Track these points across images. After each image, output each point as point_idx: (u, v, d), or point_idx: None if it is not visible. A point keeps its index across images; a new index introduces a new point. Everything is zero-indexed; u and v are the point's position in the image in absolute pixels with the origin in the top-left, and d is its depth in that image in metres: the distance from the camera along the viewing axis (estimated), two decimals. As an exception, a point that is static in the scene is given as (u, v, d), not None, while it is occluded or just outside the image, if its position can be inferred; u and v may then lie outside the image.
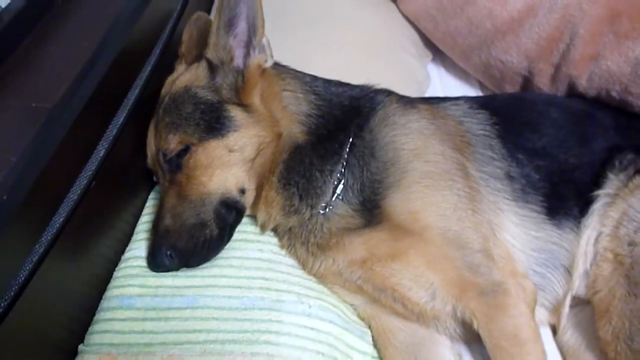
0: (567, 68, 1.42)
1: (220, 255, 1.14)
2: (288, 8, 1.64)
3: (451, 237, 1.09)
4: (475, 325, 1.06)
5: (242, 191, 1.15)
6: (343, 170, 1.15)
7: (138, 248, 1.14)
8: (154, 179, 1.24)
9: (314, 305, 1.09)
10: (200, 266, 1.12)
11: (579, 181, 1.20)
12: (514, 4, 1.46)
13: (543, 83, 1.49)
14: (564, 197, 1.19)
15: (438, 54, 1.79)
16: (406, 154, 1.15)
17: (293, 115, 1.17)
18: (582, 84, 1.41)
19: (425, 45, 1.76)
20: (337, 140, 1.16)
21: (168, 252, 1.08)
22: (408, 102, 1.28)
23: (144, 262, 1.11)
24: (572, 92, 1.46)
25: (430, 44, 1.75)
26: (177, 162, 1.12)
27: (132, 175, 1.22)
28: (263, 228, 1.20)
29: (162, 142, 1.13)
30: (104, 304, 1.05)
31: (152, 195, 1.27)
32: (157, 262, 1.08)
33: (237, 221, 1.16)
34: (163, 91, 1.21)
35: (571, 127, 1.29)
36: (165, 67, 1.27)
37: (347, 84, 1.27)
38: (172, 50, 1.31)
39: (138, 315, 1.02)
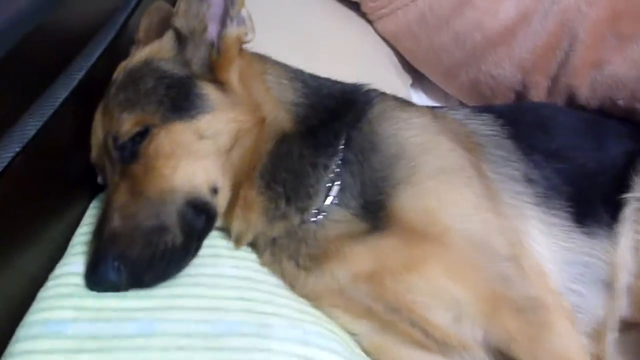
0: (567, 78, 1.31)
1: (184, 272, 0.87)
2: (265, 28, 1.49)
3: (476, 241, 0.89)
4: (514, 351, 0.83)
5: (214, 190, 0.91)
6: (338, 168, 0.93)
7: (74, 263, 0.86)
8: (99, 179, 0.98)
9: (310, 330, 0.83)
10: (159, 285, 0.84)
11: (604, 185, 1.05)
12: (506, 13, 1.36)
13: (539, 97, 1.38)
14: (590, 203, 1.02)
15: (417, 80, 1.66)
16: (413, 148, 0.97)
17: (278, 100, 0.96)
18: (584, 93, 1.29)
19: (405, 70, 1.63)
20: (331, 131, 0.96)
21: (115, 264, 0.81)
22: (405, 101, 1.12)
23: (80, 280, 0.83)
24: (572, 104, 1.34)
25: (410, 69, 1.63)
26: (132, 149, 0.88)
27: (69, 175, 0.95)
28: (239, 240, 0.95)
29: (113, 123, 0.89)
30: (21, 332, 0.75)
31: (94, 204, 1.00)
32: (99, 276, 0.81)
33: (207, 229, 0.91)
34: (115, 75, 0.98)
35: (583, 131, 1.16)
36: (117, 55, 1.05)
37: (336, 80, 1.09)
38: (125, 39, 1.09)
39: (71, 346, 0.73)
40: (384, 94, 1.09)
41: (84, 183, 1.00)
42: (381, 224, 0.90)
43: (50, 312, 0.77)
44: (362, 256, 0.88)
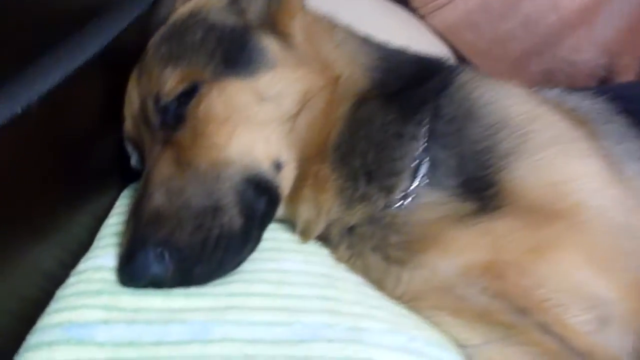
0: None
1: (243, 267, 0.67)
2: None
3: (615, 221, 0.69)
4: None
5: (278, 166, 0.73)
6: (425, 141, 0.75)
7: (103, 256, 0.67)
8: (132, 161, 0.79)
9: (416, 337, 0.62)
10: (212, 282, 0.64)
11: None
12: (586, -12, 1.20)
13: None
14: None
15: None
16: (518, 116, 0.78)
17: (352, 60, 0.79)
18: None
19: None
20: (416, 97, 0.78)
21: (158, 250, 0.61)
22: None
23: (111, 275, 0.63)
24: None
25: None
26: (177, 112, 0.70)
27: (95, 158, 0.77)
28: (307, 231, 0.76)
29: (153, 83, 0.72)
30: (33, 338, 0.55)
31: (126, 193, 0.82)
32: (137, 267, 0.61)
33: (269, 214, 0.72)
34: (152, 39, 0.81)
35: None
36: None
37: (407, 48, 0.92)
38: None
39: (102, 356, 0.53)
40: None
41: (113, 168, 0.82)
42: (492, 202, 0.70)
43: (73, 313, 0.57)
44: (473, 243, 0.68)
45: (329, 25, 0.83)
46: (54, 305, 0.59)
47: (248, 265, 0.69)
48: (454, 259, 0.68)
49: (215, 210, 0.66)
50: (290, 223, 0.78)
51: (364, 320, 0.62)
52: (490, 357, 0.68)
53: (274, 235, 0.76)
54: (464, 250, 0.68)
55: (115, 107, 0.78)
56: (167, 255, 0.62)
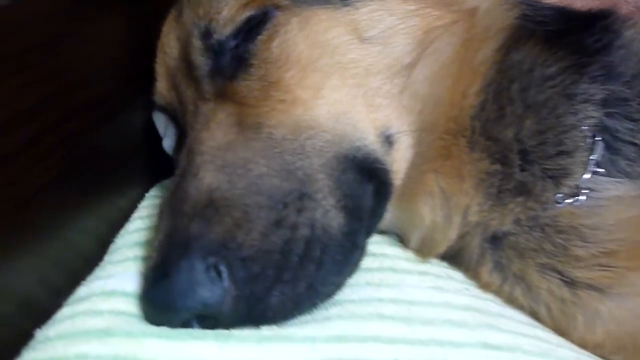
0: None
1: (342, 296, 0.41)
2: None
3: None
4: None
5: (388, 139, 0.47)
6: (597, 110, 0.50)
7: (115, 276, 0.41)
8: (165, 143, 0.54)
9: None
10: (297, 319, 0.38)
11: None
12: None
13: None
14: None
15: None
16: None
17: None
18: None
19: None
20: (582, 46, 0.52)
21: (211, 262, 0.35)
22: None
23: (128, 303, 0.37)
24: None
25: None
26: (238, 51, 0.46)
27: (111, 142, 0.52)
28: (429, 243, 0.50)
29: (202, 10, 0.47)
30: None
31: (153, 192, 0.56)
32: (175, 291, 0.36)
33: (379, 211, 0.47)
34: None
35: None
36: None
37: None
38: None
39: None
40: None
41: (136, 156, 0.56)
42: None
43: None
44: None
45: None
46: (31, 353, 0.33)
47: (349, 292, 0.42)
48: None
49: (301, 197, 0.40)
50: (396, 230, 0.52)
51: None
52: None
53: (376, 250, 0.49)
54: None
55: (138, 63, 0.54)
56: (224, 271, 0.36)
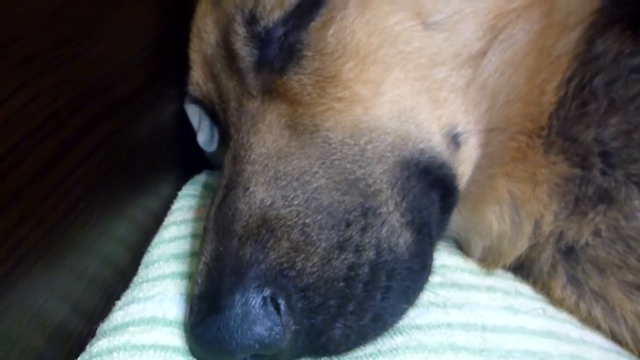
0: None
1: (407, 320, 0.36)
2: None
3: None
4: None
5: (454, 139, 0.42)
6: None
7: (154, 299, 0.36)
8: (199, 137, 0.49)
9: None
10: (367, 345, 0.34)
11: None
12: None
13: None
14: None
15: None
16: None
17: None
18: None
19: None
20: None
21: (268, 293, 0.30)
22: None
23: (174, 335, 0.32)
24: None
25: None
26: (288, 40, 0.40)
27: (139, 134, 0.47)
28: (497, 253, 0.45)
29: None
30: None
31: (186, 190, 0.51)
32: (228, 327, 0.31)
33: (444, 220, 0.41)
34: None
35: None
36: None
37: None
38: None
39: None
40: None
41: (168, 151, 0.51)
42: None
43: None
44: None
45: None
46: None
47: (413, 315, 0.37)
48: None
49: (365, 213, 0.35)
50: (455, 236, 0.47)
51: None
52: None
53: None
54: None
55: (167, 50, 0.48)
56: (283, 303, 0.31)
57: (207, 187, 0.51)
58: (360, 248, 0.34)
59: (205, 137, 0.49)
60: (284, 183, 0.35)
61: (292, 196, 0.35)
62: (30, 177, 0.33)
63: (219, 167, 0.46)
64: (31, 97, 0.32)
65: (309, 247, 0.33)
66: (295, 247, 0.33)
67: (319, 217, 0.34)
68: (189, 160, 0.53)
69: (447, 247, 0.48)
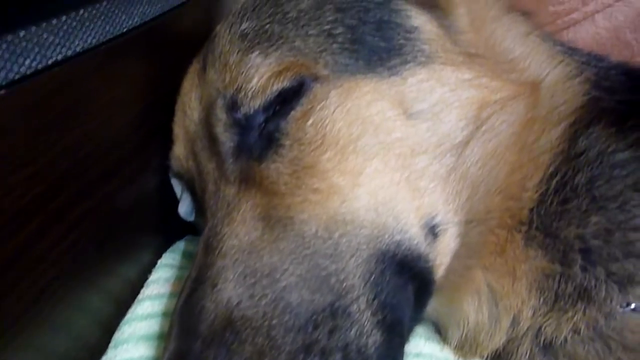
0: None
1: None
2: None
3: None
4: None
5: (432, 230, 0.41)
6: None
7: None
8: (181, 209, 0.49)
9: None
10: None
11: None
12: None
13: None
14: None
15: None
16: None
17: (551, 58, 0.48)
18: None
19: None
20: None
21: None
22: None
23: None
24: None
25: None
26: (268, 127, 0.40)
27: (120, 201, 0.47)
28: (472, 345, 0.44)
29: (228, 77, 0.41)
30: None
31: (168, 259, 0.51)
32: None
33: (417, 313, 0.41)
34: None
35: None
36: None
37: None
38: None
39: None
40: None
41: (148, 218, 0.51)
42: None
43: None
44: None
45: (503, 13, 0.52)
46: None
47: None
48: None
49: (334, 314, 0.35)
50: (433, 320, 0.47)
51: None
52: None
53: (409, 347, 0.44)
54: None
55: (156, 117, 0.48)
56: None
57: (186, 256, 0.51)
58: (327, 351, 0.34)
59: (186, 208, 0.49)
60: (252, 281, 0.35)
61: (259, 295, 0.34)
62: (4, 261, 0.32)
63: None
64: (6, 191, 0.32)
65: (273, 352, 0.33)
66: (260, 350, 0.33)
67: (285, 319, 0.34)
68: (171, 227, 0.53)
69: (425, 330, 0.47)
